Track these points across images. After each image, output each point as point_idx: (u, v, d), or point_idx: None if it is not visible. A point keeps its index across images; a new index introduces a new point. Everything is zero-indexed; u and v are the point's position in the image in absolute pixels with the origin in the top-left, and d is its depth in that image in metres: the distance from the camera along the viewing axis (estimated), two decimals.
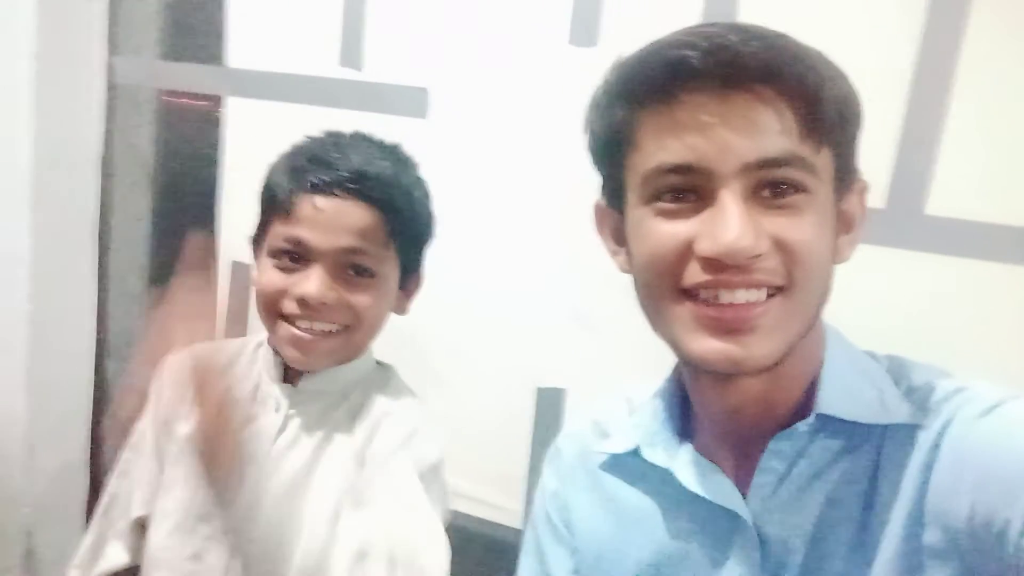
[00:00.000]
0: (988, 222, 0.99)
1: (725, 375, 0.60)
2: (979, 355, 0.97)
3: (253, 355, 0.99)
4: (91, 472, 1.61)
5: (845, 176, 0.60)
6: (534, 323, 1.24)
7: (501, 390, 1.27)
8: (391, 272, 0.92)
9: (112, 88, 1.55)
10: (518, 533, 0.82)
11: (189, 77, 1.51)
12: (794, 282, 0.56)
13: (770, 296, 0.56)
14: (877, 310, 1.01)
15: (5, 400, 1.51)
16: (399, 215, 0.90)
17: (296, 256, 0.87)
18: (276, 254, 0.89)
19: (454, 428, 1.28)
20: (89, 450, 1.60)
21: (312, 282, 0.86)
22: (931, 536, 0.55)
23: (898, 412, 0.59)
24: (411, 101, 1.29)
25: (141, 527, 0.97)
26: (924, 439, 0.57)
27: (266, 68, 1.41)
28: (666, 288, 0.58)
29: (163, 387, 0.99)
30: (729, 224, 0.54)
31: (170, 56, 1.53)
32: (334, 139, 0.93)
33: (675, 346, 0.60)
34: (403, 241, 0.92)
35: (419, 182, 0.95)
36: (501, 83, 1.23)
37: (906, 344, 0.97)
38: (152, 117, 1.57)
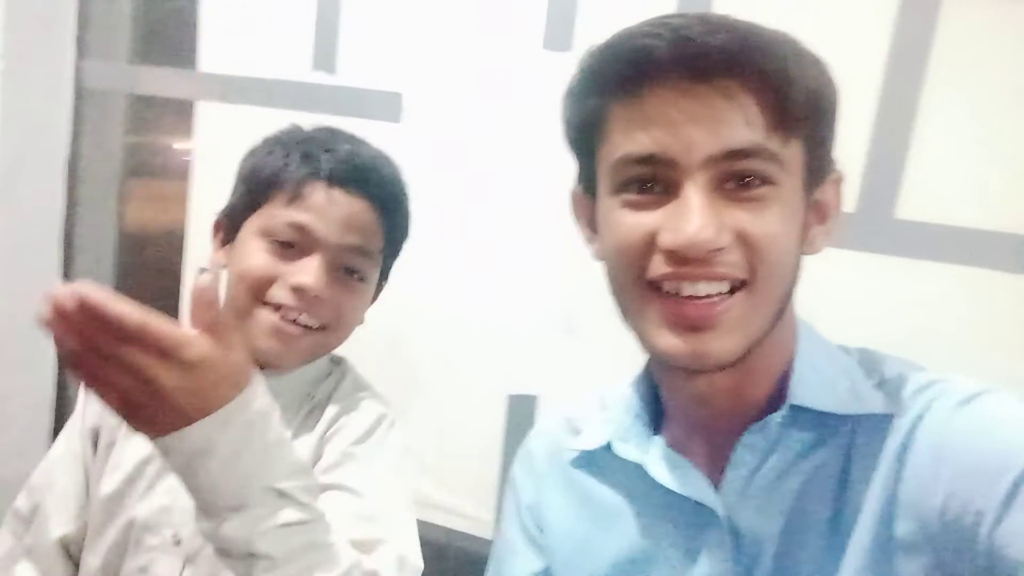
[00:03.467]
0: (959, 226, 1.00)
1: (695, 372, 0.60)
2: (950, 358, 0.97)
3: None
4: None
5: (818, 167, 0.60)
6: (507, 329, 1.23)
7: (475, 397, 1.26)
8: (374, 278, 0.90)
9: (80, 92, 1.53)
10: (490, 544, 0.80)
11: (160, 81, 1.49)
12: (757, 276, 0.56)
13: (733, 290, 0.56)
14: (846, 313, 1.01)
15: None
16: (397, 221, 0.89)
17: (291, 243, 0.83)
18: (271, 237, 0.84)
19: (431, 436, 1.27)
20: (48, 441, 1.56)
21: (312, 273, 0.82)
22: (903, 527, 0.54)
23: (871, 403, 0.58)
24: (385, 105, 1.29)
25: (65, 548, 0.90)
26: (897, 429, 0.56)
27: (239, 72, 1.40)
28: (632, 280, 0.58)
29: (88, 393, 0.94)
30: (690, 217, 0.54)
31: (141, 60, 1.52)
32: (337, 133, 0.90)
33: (643, 340, 0.60)
34: (392, 246, 0.90)
35: (409, 189, 0.93)
36: (476, 87, 1.23)
37: (876, 347, 0.99)
38: (121, 121, 1.54)
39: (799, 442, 0.59)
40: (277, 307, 0.83)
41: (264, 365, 0.86)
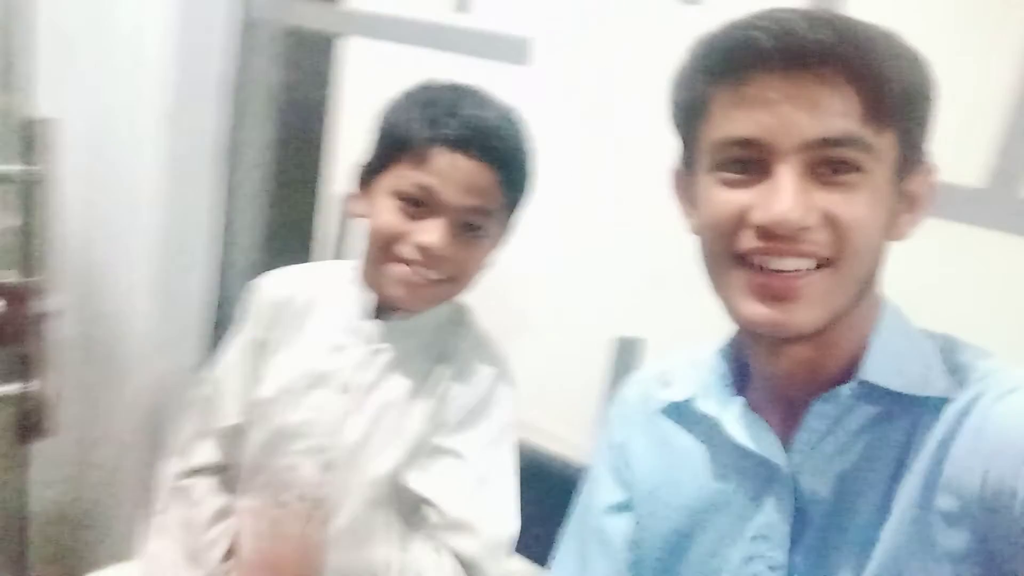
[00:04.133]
0: None
1: (776, 340, 0.64)
2: None
3: (346, 284, 1.05)
4: None
5: (910, 159, 0.62)
6: (622, 275, 1.29)
7: (585, 335, 1.33)
8: (497, 232, 0.98)
9: (245, 23, 1.66)
10: (584, 468, 0.89)
11: (313, 15, 1.60)
12: (842, 256, 0.60)
13: (818, 267, 0.60)
14: (961, 289, 1.01)
15: (135, 306, 1.68)
16: (517, 181, 0.96)
17: (420, 203, 0.91)
18: (402, 197, 0.92)
19: (540, 370, 1.36)
20: (208, 356, 1.77)
21: (436, 233, 0.90)
22: (944, 502, 0.58)
23: (937, 386, 0.61)
24: (514, 49, 1.33)
25: (235, 431, 1.08)
26: (952, 412, 0.60)
27: (382, 10, 1.48)
28: (722, 251, 0.63)
29: (257, 309, 1.07)
30: (782, 196, 0.58)
31: None
32: (464, 94, 0.95)
33: (729, 308, 0.65)
34: (513, 204, 0.98)
35: (532, 149, 0.98)
36: (607, 37, 1.25)
37: (990, 326, 0.98)
38: (278, 52, 1.67)
39: (866, 415, 0.64)
40: (405, 261, 0.92)
41: (395, 308, 0.98)
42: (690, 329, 1.15)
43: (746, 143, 0.60)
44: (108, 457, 1.79)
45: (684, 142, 0.70)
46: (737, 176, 0.62)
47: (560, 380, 1.35)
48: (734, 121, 0.61)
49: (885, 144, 0.60)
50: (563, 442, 1.34)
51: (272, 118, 1.71)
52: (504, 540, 0.97)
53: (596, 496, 0.83)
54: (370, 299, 1.01)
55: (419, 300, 0.96)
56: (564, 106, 1.30)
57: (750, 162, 0.61)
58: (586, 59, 1.28)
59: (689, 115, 0.66)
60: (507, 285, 1.34)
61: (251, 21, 1.63)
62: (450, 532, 0.96)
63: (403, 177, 0.92)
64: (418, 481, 0.98)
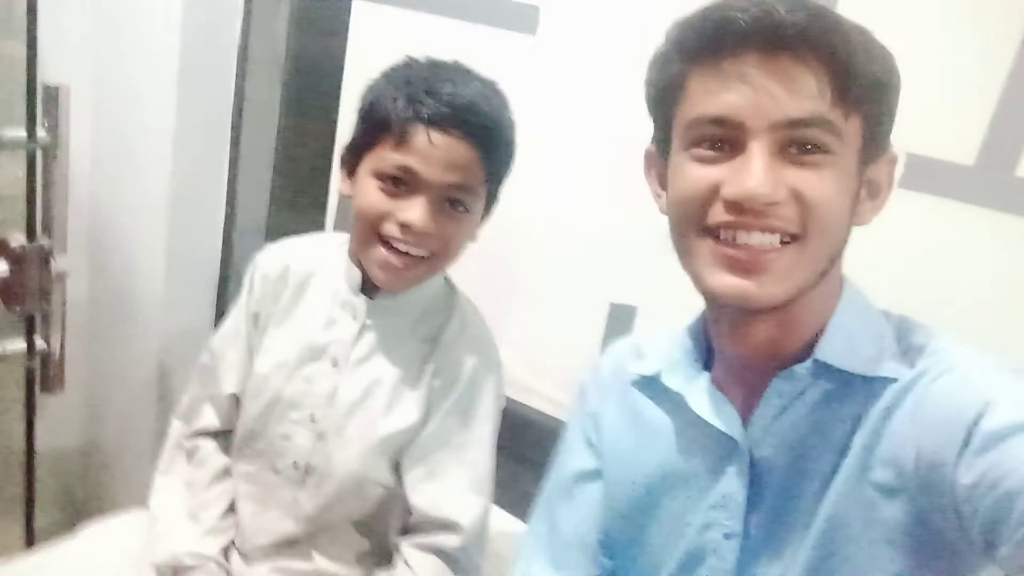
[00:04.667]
0: None
1: (740, 316, 0.67)
2: None
3: (338, 259, 1.07)
4: None
5: (874, 146, 0.65)
6: (618, 242, 1.31)
7: (579, 303, 1.36)
8: (480, 207, 1.00)
9: None
10: None
11: None
12: (808, 232, 0.62)
13: (784, 243, 0.62)
14: (949, 265, 1.02)
15: (147, 267, 1.71)
16: (497, 156, 0.97)
17: (401, 182, 0.93)
18: (383, 177, 0.94)
19: (535, 334, 1.39)
20: (214, 318, 1.81)
21: (417, 211, 0.92)
22: (881, 475, 0.62)
23: (886, 367, 0.64)
24: (522, 17, 1.34)
25: (233, 400, 1.12)
26: (894, 390, 0.63)
27: None
28: (693, 225, 0.65)
29: (255, 284, 1.10)
30: (752, 172, 0.60)
31: None
32: (443, 72, 0.96)
33: (696, 280, 0.67)
34: (494, 178, 0.99)
35: (512, 122, 1.00)
36: (614, 8, 1.26)
37: (975, 301, 1.00)
38: (290, 14, 1.67)
39: (821, 393, 0.67)
40: (389, 241, 0.95)
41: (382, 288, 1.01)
42: (685, 297, 1.18)
43: (720, 121, 0.62)
44: (117, 413, 1.84)
45: (659, 124, 0.72)
46: (710, 153, 0.64)
47: (556, 344, 1.38)
48: (709, 100, 0.63)
49: (852, 129, 0.62)
50: (558, 405, 1.37)
51: (282, 80, 1.72)
52: (483, 527, 1.03)
53: (568, 463, 0.86)
54: (357, 275, 1.04)
55: (402, 280, 0.99)
56: (570, 74, 1.31)
57: (723, 140, 0.63)
58: (592, 27, 1.29)
59: (665, 96, 0.68)
60: (505, 250, 1.37)
61: None
62: (434, 530, 1.01)
63: (384, 158, 0.94)
64: (405, 474, 1.03)
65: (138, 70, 1.62)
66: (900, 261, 1.03)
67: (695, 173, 0.64)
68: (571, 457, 0.86)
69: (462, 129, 0.92)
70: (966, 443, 0.55)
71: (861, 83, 0.61)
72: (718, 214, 0.63)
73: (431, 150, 0.92)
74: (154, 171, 1.65)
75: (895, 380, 0.64)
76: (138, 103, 1.64)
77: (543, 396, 1.40)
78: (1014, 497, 0.51)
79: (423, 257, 0.97)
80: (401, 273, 0.97)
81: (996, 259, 1.01)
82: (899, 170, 1.03)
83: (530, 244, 1.38)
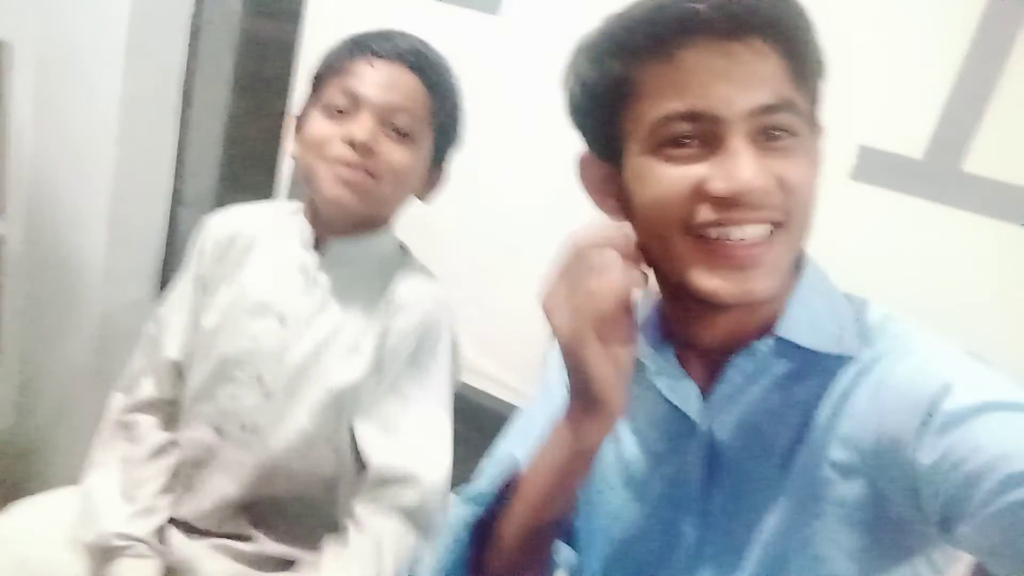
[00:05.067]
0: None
1: (712, 308, 0.65)
2: (985, 316, 1.01)
3: (288, 221, 1.07)
4: None
5: (816, 120, 0.65)
6: (577, 223, 1.30)
7: (536, 286, 1.35)
8: (425, 144, 1.00)
9: None
10: None
11: None
12: (791, 218, 0.61)
13: (770, 232, 0.61)
14: (894, 257, 1.05)
15: (88, 235, 1.65)
16: (442, 96, 0.99)
17: (344, 110, 0.96)
18: (327, 107, 0.97)
19: (492, 317, 1.38)
20: (157, 290, 1.76)
21: (361, 125, 0.94)
22: (839, 455, 0.62)
23: (847, 345, 0.65)
24: None
25: (175, 367, 1.09)
26: (854, 370, 0.64)
27: None
28: (676, 227, 0.62)
29: (203, 247, 1.09)
30: (742, 166, 0.58)
31: None
32: (393, 30, 1.01)
33: (681, 280, 0.63)
34: (440, 122, 1.00)
35: (460, 87, 1.03)
36: None
37: (922, 293, 1.02)
38: None
39: (782, 370, 0.66)
40: (336, 162, 0.95)
41: (335, 228, 1.00)
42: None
43: (693, 116, 0.60)
44: (53, 389, 1.77)
45: (597, 128, 0.68)
46: (685, 151, 0.61)
47: (511, 329, 1.38)
48: (674, 96, 0.60)
49: (807, 108, 0.63)
50: (511, 390, 1.37)
51: (233, 51, 1.68)
52: (443, 483, 1.00)
53: (544, 402, 0.83)
54: (309, 230, 1.03)
55: (354, 197, 0.96)
56: (533, 53, 1.30)
57: (695, 136, 0.60)
58: (555, 7, 1.28)
59: (607, 97, 0.64)
60: (460, 232, 1.36)
61: None
62: (393, 486, 0.98)
63: (330, 91, 0.97)
64: (357, 429, 1.00)
65: (85, 31, 1.55)
66: (848, 253, 1.04)
67: (671, 173, 0.61)
68: (549, 398, 0.82)
69: (406, 62, 0.96)
70: (926, 424, 0.56)
71: (813, 61, 0.61)
72: (705, 214, 0.61)
73: (373, 73, 0.96)
74: (99, 137, 1.59)
75: (855, 360, 0.64)
76: (84, 66, 1.58)
77: (495, 380, 1.39)
78: (976, 479, 0.51)
79: (372, 177, 0.96)
80: (353, 187, 0.95)
81: (943, 252, 1.04)
82: (851, 162, 1.07)
83: (484, 225, 1.37)
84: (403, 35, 0.99)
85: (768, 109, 0.60)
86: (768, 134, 0.60)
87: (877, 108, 1.04)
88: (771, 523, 0.65)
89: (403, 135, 0.97)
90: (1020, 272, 1.01)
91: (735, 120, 0.59)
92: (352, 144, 0.94)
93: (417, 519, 0.97)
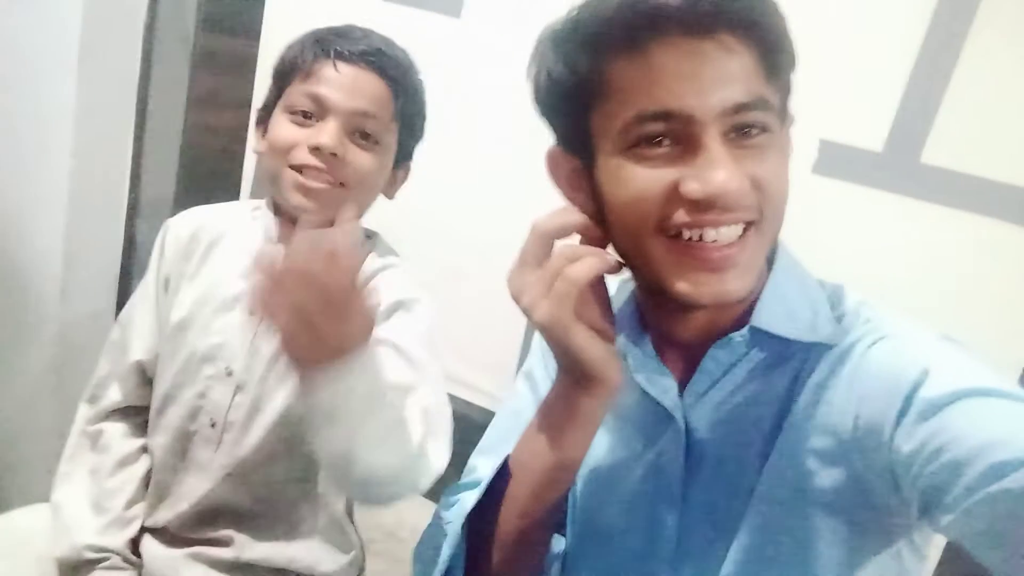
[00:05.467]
0: (982, 176, 1.02)
1: (687, 307, 0.64)
2: (947, 304, 1.03)
3: (251, 217, 1.05)
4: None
5: (786, 112, 0.64)
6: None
7: (504, 288, 1.34)
8: (391, 146, 1.00)
9: None
10: None
11: None
12: (764, 216, 0.61)
13: (744, 231, 0.61)
14: (856, 248, 1.07)
15: (44, 247, 1.61)
16: (407, 96, 0.99)
17: (310, 114, 0.95)
18: (292, 110, 0.95)
19: (466, 319, 1.37)
20: (116, 301, 1.71)
21: (327, 133, 0.93)
22: (819, 442, 0.63)
23: (823, 333, 0.65)
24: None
25: (142, 370, 1.07)
26: (831, 356, 0.64)
27: None
28: (650, 229, 0.61)
29: (166, 246, 1.06)
30: (718, 167, 0.57)
31: None
32: (354, 28, 1.00)
33: (656, 282, 0.63)
34: (405, 121, 1.00)
35: (422, 82, 1.03)
36: None
37: (892, 287, 1.04)
38: None
39: (759, 361, 0.66)
40: (301, 169, 0.94)
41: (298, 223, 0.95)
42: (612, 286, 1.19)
43: (666, 116, 0.58)
44: (12, 406, 1.72)
45: (566, 125, 0.66)
46: (657, 151, 0.59)
47: (484, 334, 1.37)
48: (646, 94, 0.58)
49: (779, 102, 0.62)
50: (486, 395, 1.36)
51: (188, 59, 1.65)
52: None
53: (527, 386, 0.83)
54: (274, 223, 1.02)
55: (318, 205, 0.94)
56: (495, 56, 1.30)
57: (666, 135, 0.59)
58: (517, 9, 1.28)
59: (576, 95, 0.62)
60: (430, 236, 1.35)
61: None
62: None
63: (295, 93, 0.96)
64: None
65: (37, 40, 1.51)
66: (811, 246, 1.06)
67: (645, 175, 0.60)
68: (532, 383, 0.82)
69: (370, 64, 0.95)
70: (904, 411, 0.56)
71: (786, 55, 0.61)
72: (680, 216, 0.59)
73: (339, 78, 0.94)
74: (53, 149, 1.55)
75: (831, 347, 0.64)
76: (37, 77, 1.53)
77: (467, 385, 1.38)
78: (957, 467, 0.51)
79: (334, 185, 0.95)
80: (317, 195, 0.94)
81: (904, 242, 1.06)
82: (812, 156, 1.09)
83: (461, 228, 1.37)
84: (365, 33, 0.98)
85: (742, 107, 0.58)
86: (741, 132, 0.59)
87: (836, 103, 1.06)
88: (753, 512, 0.65)
89: (370, 140, 0.96)
90: (979, 261, 1.04)
91: (709, 120, 0.58)
92: (316, 150, 0.93)
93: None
